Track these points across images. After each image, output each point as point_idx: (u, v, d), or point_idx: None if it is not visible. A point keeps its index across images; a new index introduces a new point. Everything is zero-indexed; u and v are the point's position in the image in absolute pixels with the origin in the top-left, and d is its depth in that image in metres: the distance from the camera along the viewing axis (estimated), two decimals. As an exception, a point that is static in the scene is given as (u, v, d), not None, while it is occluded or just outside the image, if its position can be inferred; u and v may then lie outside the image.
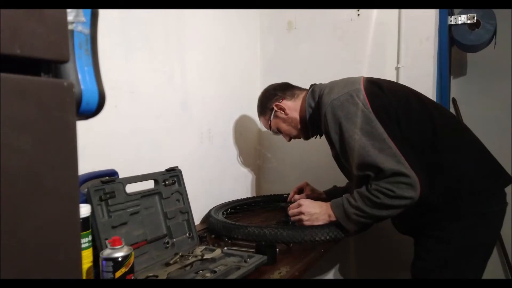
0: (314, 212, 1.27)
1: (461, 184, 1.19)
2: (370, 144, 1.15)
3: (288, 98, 1.46)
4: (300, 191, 1.66)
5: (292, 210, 1.33)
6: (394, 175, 1.11)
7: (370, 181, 1.18)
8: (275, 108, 1.46)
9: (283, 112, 1.45)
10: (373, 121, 1.17)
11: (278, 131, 1.51)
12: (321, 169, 1.78)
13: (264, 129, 2.05)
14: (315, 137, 1.48)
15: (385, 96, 1.24)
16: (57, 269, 0.41)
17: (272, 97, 1.48)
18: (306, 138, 1.50)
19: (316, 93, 1.36)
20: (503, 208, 1.23)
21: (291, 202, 1.47)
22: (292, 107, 1.45)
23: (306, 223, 1.27)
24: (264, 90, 1.55)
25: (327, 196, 1.61)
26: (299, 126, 1.45)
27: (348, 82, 1.30)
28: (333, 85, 1.32)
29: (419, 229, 1.28)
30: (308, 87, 1.46)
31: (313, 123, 1.39)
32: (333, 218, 1.24)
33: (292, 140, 1.55)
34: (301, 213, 1.29)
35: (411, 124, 1.20)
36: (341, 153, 1.25)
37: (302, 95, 1.45)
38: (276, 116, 1.47)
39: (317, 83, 1.44)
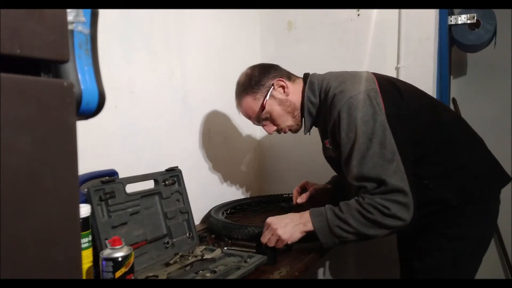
0: (287, 223, 1.11)
1: (475, 182, 1.20)
2: (380, 153, 1.07)
3: (286, 78, 1.28)
4: (302, 190, 1.54)
5: (264, 235, 1.12)
6: (394, 191, 1.04)
7: (362, 194, 1.08)
8: (274, 85, 1.26)
9: (282, 91, 1.26)
10: (386, 129, 1.08)
11: (268, 117, 1.29)
12: (322, 169, 1.77)
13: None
14: (307, 134, 1.33)
15: (403, 103, 1.15)
16: (57, 269, 0.41)
17: (268, 73, 1.27)
18: (296, 130, 1.34)
19: (315, 85, 1.24)
20: (498, 206, 1.27)
21: (290, 202, 1.45)
22: (291, 89, 1.27)
23: (285, 236, 1.09)
24: (253, 66, 1.33)
25: (333, 185, 1.52)
26: (295, 113, 1.28)
27: (359, 78, 1.19)
28: (340, 79, 1.20)
29: (427, 227, 1.23)
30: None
31: (310, 118, 1.28)
32: (309, 228, 1.10)
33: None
34: (274, 229, 1.10)
35: (423, 128, 1.17)
36: (346, 156, 1.13)
37: (299, 82, 1.30)
38: (272, 96, 1.26)
39: (310, 72, 1.31)
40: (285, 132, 1.34)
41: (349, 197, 1.15)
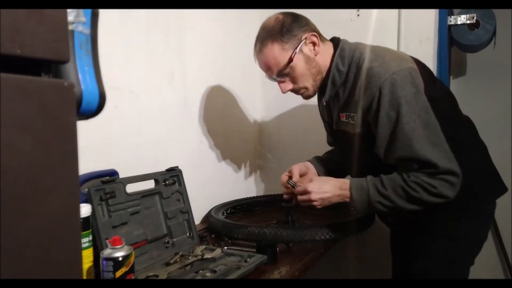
0: (326, 197, 1.15)
1: (474, 183, 1.18)
2: (426, 135, 1.04)
3: (318, 36, 1.16)
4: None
5: (301, 198, 1.18)
6: (446, 173, 1.03)
7: (406, 171, 1.07)
8: (306, 39, 1.14)
9: (312, 48, 1.15)
10: (429, 109, 1.05)
11: (290, 73, 1.16)
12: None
13: (264, 127, 2.06)
14: (322, 100, 1.24)
15: (436, 89, 1.13)
16: (57, 269, 0.41)
17: (301, 24, 1.15)
18: (309, 97, 1.23)
19: (345, 53, 1.16)
20: (494, 209, 1.27)
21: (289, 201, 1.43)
22: (321, 49, 1.16)
23: (318, 205, 1.16)
24: (284, 13, 1.19)
25: (314, 164, 1.43)
26: (317, 77, 1.18)
27: (397, 54, 1.15)
28: (377, 51, 1.13)
29: (424, 227, 1.22)
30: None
31: (333, 87, 1.18)
32: (347, 199, 1.14)
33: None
34: (311, 200, 1.16)
35: (442, 119, 1.14)
36: (387, 136, 1.08)
37: (328, 44, 1.20)
38: (301, 51, 1.14)
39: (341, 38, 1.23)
40: (297, 93, 1.22)
41: (351, 174, 1.19)
